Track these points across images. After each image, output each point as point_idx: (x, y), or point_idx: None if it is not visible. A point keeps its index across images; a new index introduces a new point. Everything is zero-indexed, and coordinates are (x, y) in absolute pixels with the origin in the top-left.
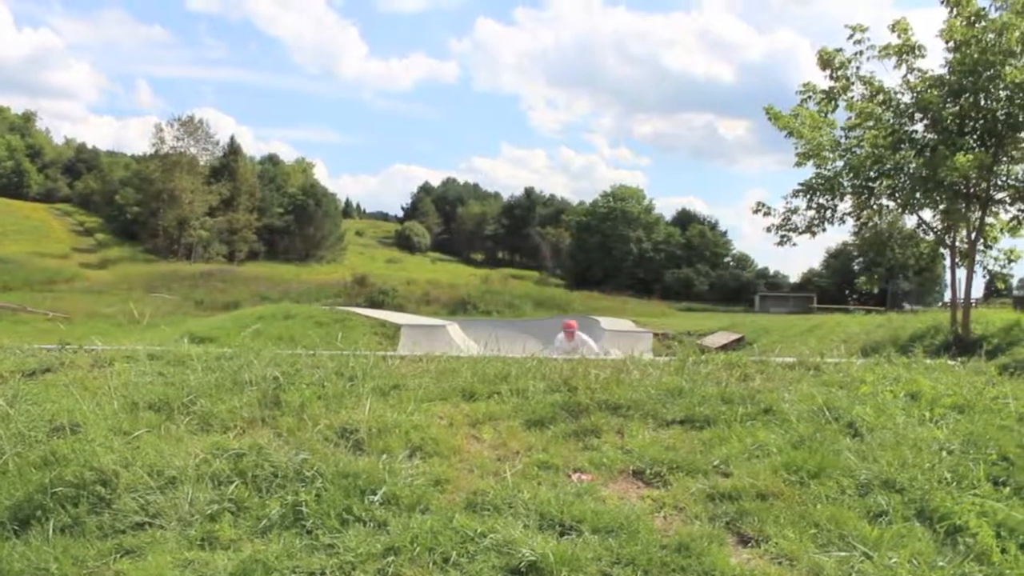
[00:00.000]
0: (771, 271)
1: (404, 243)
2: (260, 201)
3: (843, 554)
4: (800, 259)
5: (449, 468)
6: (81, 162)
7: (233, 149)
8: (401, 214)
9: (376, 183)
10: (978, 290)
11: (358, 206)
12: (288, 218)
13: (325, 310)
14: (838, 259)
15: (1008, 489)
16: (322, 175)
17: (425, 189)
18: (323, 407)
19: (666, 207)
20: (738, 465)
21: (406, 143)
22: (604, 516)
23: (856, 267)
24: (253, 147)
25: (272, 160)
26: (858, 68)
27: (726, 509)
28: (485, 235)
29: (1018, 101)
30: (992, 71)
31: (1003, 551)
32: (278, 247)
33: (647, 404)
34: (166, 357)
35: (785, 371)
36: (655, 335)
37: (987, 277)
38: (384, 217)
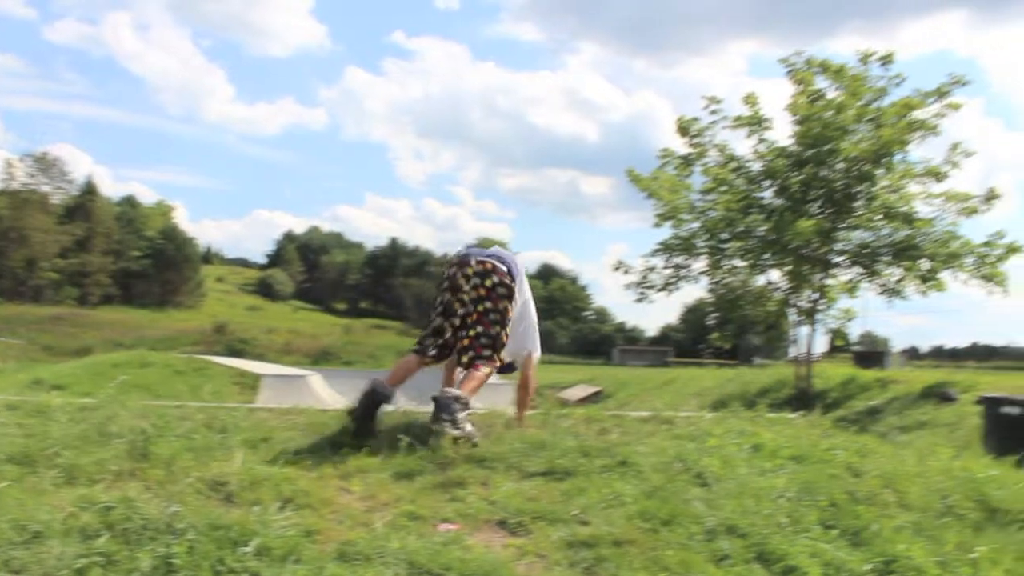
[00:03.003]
0: (630, 325)
1: (266, 291)
2: (117, 243)
3: None
4: (658, 313)
5: (320, 519)
6: None
7: (89, 188)
8: (264, 261)
9: (239, 228)
10: (822, 346)
11: (219, 252)
12: (146, 262)
13: (184, 358)
14: (694, 314)
15: (836, 532)
16: (183, 219)
17: (289, 236)
18: (193, 459)
19: (529, 260)
20: (596, 514)
21: (270, 189)
22: (470, 563)
23: (710, 322)
24: (111, 187)
25: (131, 202)
26: (713, 136)
27: (585, 556)
28: (348, 284)
29: (853, 173)
30: (831, 145)
31: None
32: (134, 291)
33: (511, 457)
34: (24, 408)
35: (640, 425)
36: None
37: (828, 334)
38: (246, 264)
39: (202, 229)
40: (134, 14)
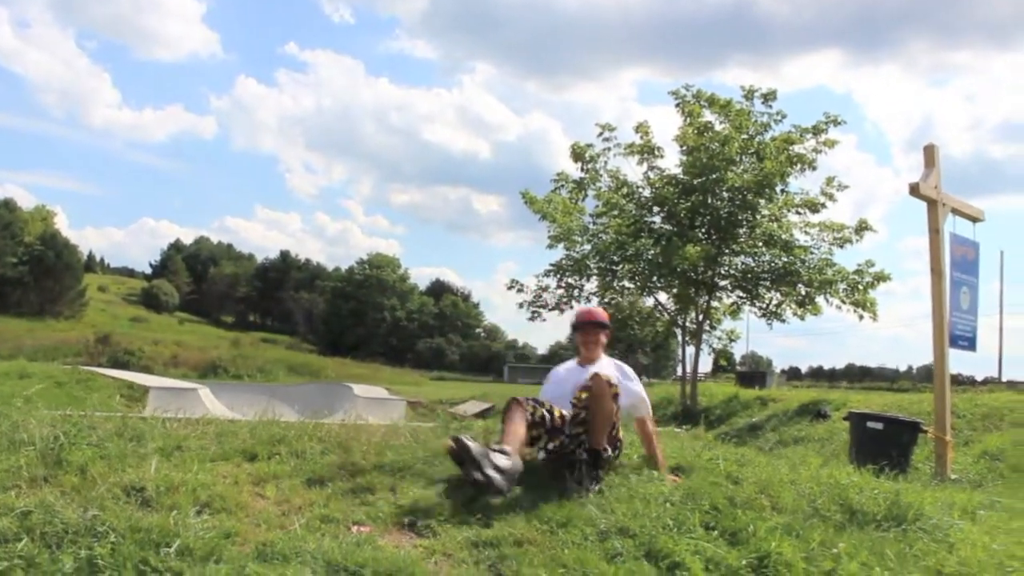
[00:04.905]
0: (520, 342)
1: (151, 302)
2: None
3: None
4: (548, 331)
5: (237, 522)
6: None
7: None
8: (149, 271)
9: (123, 237)
10: (707, 366)
11: (102, 260)
12: (23, 269)
13: (66, 369)
14: None
15: (716, 532)
16: (63, 225)
17: (176, 246)
18: (106, 466)
19: (420, 277)
20: (498, 517)
21: (157, 197)
22: (383, 562)
23: None
24: None
25: (8, 206)
26: (606, 163)
27: (489, 554)
28: (237, 297)
29: (737, 202)
30: (717, 175)
31: None
32: (10, 300)
33: (416, 465)
34: None
35: None
36: (408, 403)
37: (712, 354)
38: (130, 273)
39: (84, 236)
40: (12, 10)
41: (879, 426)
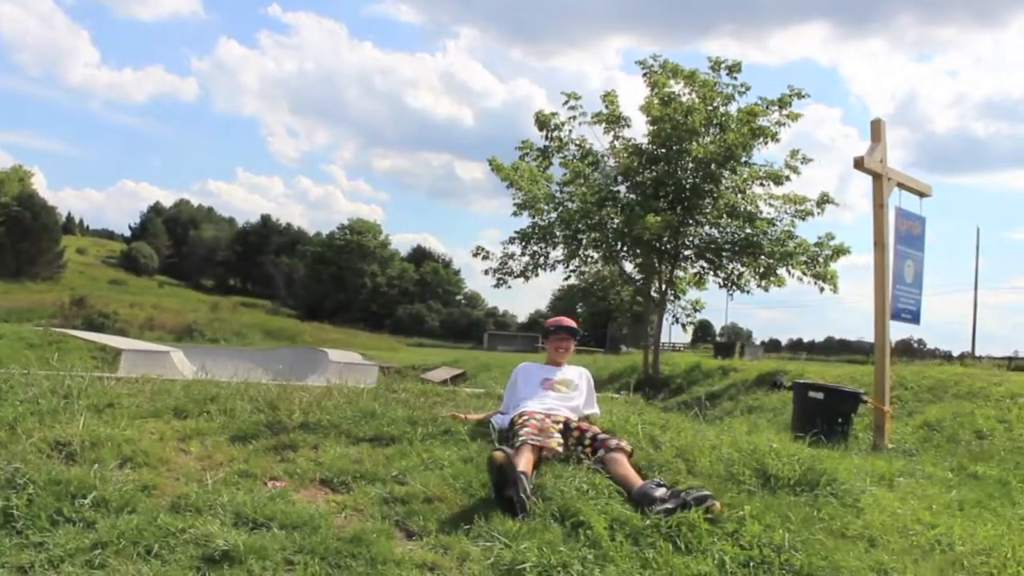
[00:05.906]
0: (500, 310)
1: (130, 264)
2: None
3: (488, 544)
4: (529, 299)
5: (157, 476)
6: None
7: None
8: (128, 233)
9: (102, 199)
10: (686, 336)
11: (80, 222)
12: None
13: (38, 331)
14: (563, 301)
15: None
16: (41, 186)
17: (156, 209)
18: (37, 422)
19: (402, 243)
20: (414, 476)
21: (137, 159)
22: (292, 515)
23: (580, 309)
24: None
25: None
26: (571, 131)
27: (398, 510)
28: (217, 261)
29: (701, 173)
30: (681, 146)
31: (612, 539)
32: None
33: (343, 424)
34: None
35: (472, 400)
36: (381, 368)
37: (673, 323)
38: (110, 236)
39: (62, 198)
40: None
41: (820, 396)
